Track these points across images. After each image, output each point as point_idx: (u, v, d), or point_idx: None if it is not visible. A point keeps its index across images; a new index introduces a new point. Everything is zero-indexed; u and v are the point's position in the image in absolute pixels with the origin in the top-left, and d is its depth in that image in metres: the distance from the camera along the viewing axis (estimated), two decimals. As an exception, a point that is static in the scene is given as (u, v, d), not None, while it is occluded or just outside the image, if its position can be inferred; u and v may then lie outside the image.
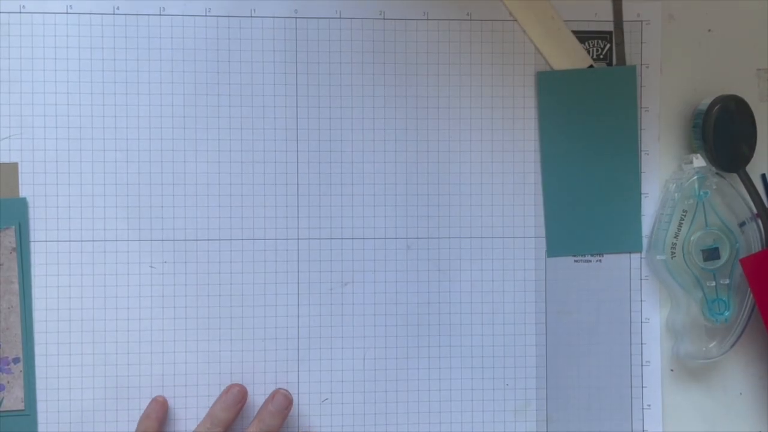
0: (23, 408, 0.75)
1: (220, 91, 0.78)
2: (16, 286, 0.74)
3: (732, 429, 0.83)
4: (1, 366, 0.74)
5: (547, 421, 0.80)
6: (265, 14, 0.78)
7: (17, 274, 0.75)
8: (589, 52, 0.80)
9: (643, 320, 0.81)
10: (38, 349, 0.75)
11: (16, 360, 0.74)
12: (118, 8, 0.77)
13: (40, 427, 0.75)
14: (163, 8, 0.77)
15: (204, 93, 0.77)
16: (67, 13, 0.76)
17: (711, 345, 0.80)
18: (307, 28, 0.78)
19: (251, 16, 0.78)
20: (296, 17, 0.78)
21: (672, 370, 0.82)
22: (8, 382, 0.74)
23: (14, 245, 0.75)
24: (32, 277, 0.75)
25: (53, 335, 0.76)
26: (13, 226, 0.75)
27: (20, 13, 0.76)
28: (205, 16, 0.77)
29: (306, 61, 0.78)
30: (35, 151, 0.75)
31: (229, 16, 0.77)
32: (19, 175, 0.75)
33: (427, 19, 0.79)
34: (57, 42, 0.76)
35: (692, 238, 0.78)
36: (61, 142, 0.76)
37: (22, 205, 0.75)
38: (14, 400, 0.74)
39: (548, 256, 0.80)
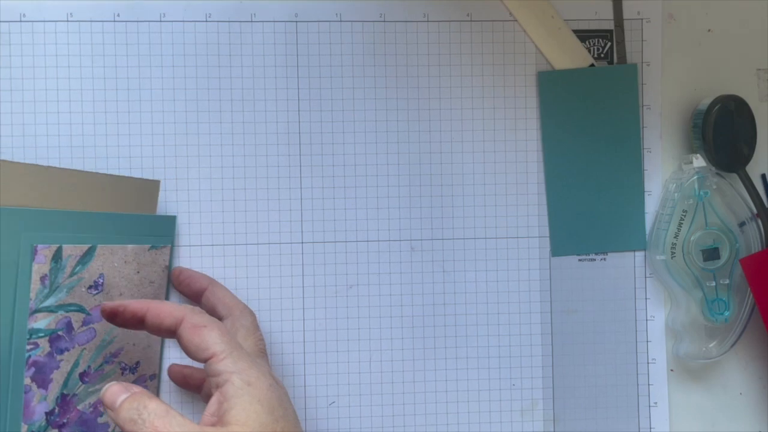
0: None
1: (222, 96, 0.79)
2: None
3: (732, 429, 0.84)
4: (138, 383, 0.75)
5: (554, 420, 0.82)
6: (265, 18, 0.79)
7: (165, 292, 0.77)
8: (589, 51, 0.82)
9: (648, 318, 0.83)
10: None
11: (152, 377, 0.77)
12: (118, 15, 0.78)
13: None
14: (164, 14, 0.78)
15: (206, 98, 0.79)
16: (67, 20, 0.77)
17: (711, 345, 0.81)
18: (307, 31, 0.80)
19: (251, 21, 0.79)
20: (296, 21, 0.80)
21: (672, 370, 0.83)
22: None
23: (167, 263, 0.77)
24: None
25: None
26: (169, 245, 0.77)
27: (20, 21, 0.77)
28: (206, 21, 0.79)
29: (307, 65, 0.80)
30: (38, 159, 0.76)
31: (229, 21, 0.79)
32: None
33: (428, 21, 0.81)
34: (58, 50, 0.77)
35: (692, 238, 0.80)
36: (64, 150, 0.77)
37: (173, 222, 0.77)
38: None
39: (552, 256, 0.82)
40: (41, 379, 0.70)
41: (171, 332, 0.67)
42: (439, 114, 0.82)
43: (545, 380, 0.83)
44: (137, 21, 0.79)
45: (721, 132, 0.80)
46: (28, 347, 0.69)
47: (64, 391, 0.71)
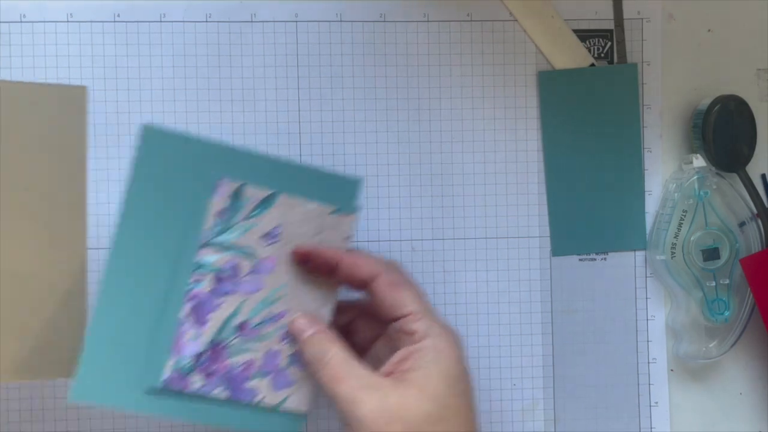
0: None
1: (222, 96, 0.80)
2: None
3: (732, 429, 0.85)
4: (298, 356, 0.71)
5: (554, 420, 0.83)
6: (265, 18, 0.80)
7: None
8: (590, 51, 0.83)
9: (649, 318, 0.84)
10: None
11: None
12: (118, 15, 0.79)
13: None
14: (164, 14, 0.79)
15: (206, 98, 0.80)
16: (67, 21, 0.78)
17: (711, 345, 0.82)
18: (307, 31, 0.81)
19: (252, 21, 0.80)
20: (297, 21, 0.80)
21: (672, 370, 0.84)
22: None
23: (350, 233, 0.73)
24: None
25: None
26: (354, 213, 0.73)
27: (21, 22, 0.78)
28: (206, 21, 0.79)
29: (307, 65, 0.81)
30: None
31: (229, 21, 0.80)
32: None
33: (428, 21, 0.82)
34: (58, 50, 0.78)
35: (692, 238, 0.80)
36: None
37: (358, 187, 0.73)
38: None
39: (553, 256, 0.83)
40: (197, 316, 0.68)
41: (362, 285, 0.69)
42: (439, 114, 0.82)
43: (546, 380, 0.83)
44: (137, 21, 0.79)
45: (721, 132, 0.81)
46: (191, 279, 0.68)
47: (218, 337, 0.69)
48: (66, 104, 0.69)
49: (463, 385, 0.65)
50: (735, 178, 0.82)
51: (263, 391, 0.70)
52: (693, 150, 0.84)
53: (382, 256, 0.70)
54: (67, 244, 0.70)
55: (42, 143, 0.69)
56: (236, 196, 0.69)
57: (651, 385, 0.84)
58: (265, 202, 0.70)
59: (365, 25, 0.82)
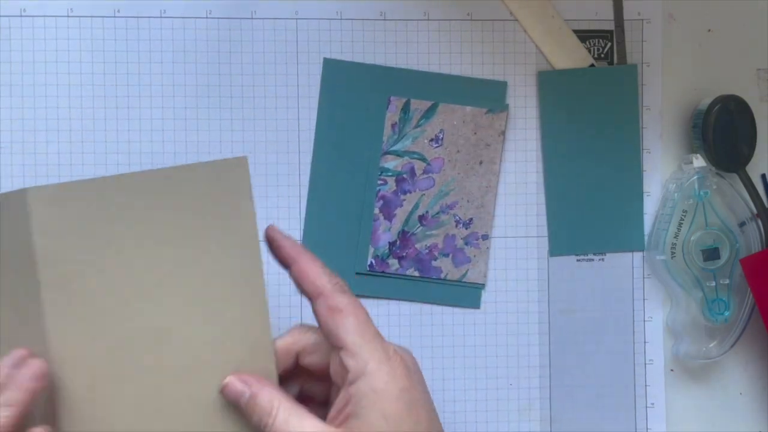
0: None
1: (222, 93, 0.79)
2: (497, 167, 0.81)
3: (732, 429, 0.84)
4: (470, 240, 0.81)
5: (551, 420, 0.82)
6: (265, 16, 0.80)
7: (500, 157, 0.81)
8: (590, 51, 0.82)
9: (646, 319, 0.83)
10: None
11: (485, 237, 0.81)
12: (118, 11, 0.78)
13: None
14: (164, 11, 0.79)
15: (206, 95, 0.79)
16: (68, 16, 0.78)
17: (711, 345, 0.81)
18: (307, 29, 0.80)
19: (252, 18, 0.79)
20: (297, 18, 0.80)
21: (672, 370, 0.83)
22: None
23: (503, 128, 0.81)
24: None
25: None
26: (506, 111, 0.81)
27: (21, 16, 0.77)
28: (206, 18, 0.79)
29: (307, 62, 0.80)
30: (37, 154, 0.77)
31: (229, 18, 0.79)
32: (25, 178, 0.77)
33: (428, 20, 0.81)
34: (58, 45, 0.78)
35: (692, 238, 0.80)
36: (63, 145, 0.77)
37: (504, 88, 0.82)
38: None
39: (551, 256, 0.82)
40: (387, 212, 0.80)
41: (309, 298, 0.62)
42: (439, 113, 0.82)
43: (542, 380, 0.83)
44: (137, 17, 0.79)
45: (721, 132, 0.80)
46: (379, 182, 0.81)
47: (405, 228, 0.81)
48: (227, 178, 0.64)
49: (412, 421, 0.59)
50: (735, 178, 0.81)
51: (447, 268, 0.81)
52: (693, 150, 0.83)
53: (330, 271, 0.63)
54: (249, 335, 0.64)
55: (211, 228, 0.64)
56: (405, 109, 0.80)
57: (647, 386, 0.83)
58: (429, 112, 0.81)
59: (365, 23, 0.81)
